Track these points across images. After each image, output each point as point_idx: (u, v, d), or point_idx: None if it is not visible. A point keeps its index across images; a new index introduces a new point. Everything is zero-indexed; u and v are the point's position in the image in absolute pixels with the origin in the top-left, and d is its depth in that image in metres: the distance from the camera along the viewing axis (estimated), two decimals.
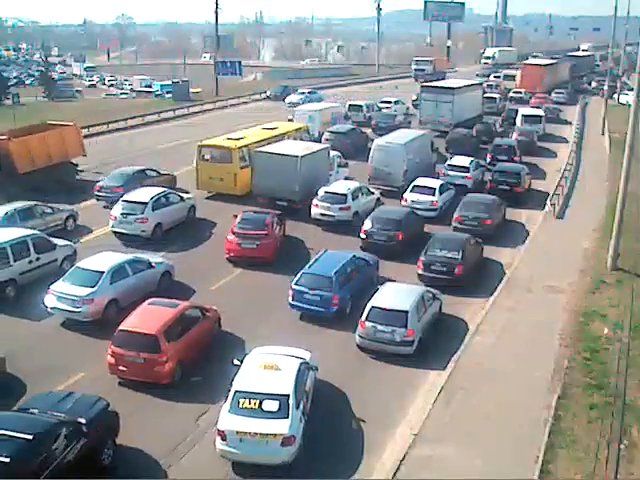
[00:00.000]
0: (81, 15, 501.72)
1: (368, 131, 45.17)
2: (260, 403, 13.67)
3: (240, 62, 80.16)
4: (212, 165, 31.16)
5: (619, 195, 24.36)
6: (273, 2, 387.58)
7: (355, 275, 20.76)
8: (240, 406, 13.70)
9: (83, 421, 12.96)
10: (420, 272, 22.50)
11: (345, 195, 27.98)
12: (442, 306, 20.29)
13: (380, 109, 53.01)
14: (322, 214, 27.95)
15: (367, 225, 25.17)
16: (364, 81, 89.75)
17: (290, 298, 19.93)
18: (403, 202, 29.06)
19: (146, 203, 25.71)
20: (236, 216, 25.10)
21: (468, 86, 50.65)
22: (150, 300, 18.10)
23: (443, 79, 66.13)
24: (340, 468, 13.88)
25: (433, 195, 29.05)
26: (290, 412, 13.61)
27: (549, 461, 13.67)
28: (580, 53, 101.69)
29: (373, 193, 30.31)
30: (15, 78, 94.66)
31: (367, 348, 18.13)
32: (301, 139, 35.59)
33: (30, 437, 11.51)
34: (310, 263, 20.81)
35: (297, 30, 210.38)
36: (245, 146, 31.32)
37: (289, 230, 27.03)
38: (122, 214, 25.60)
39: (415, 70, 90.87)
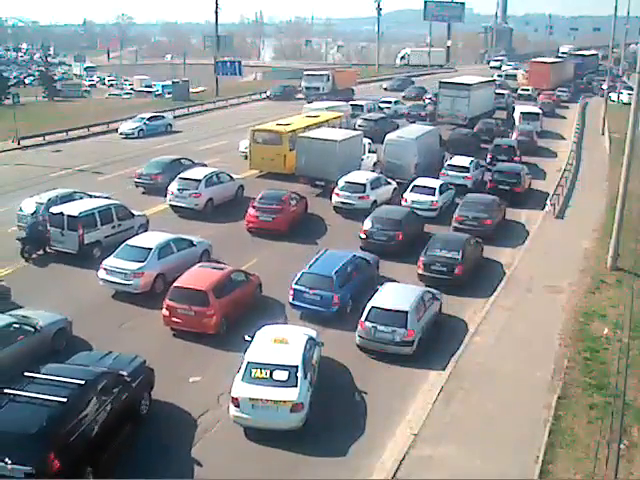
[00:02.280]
0: (81, 15, 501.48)
1: None
2: (271, 373, 14.75)
3: (240, 62, 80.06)
4: (264, 147, 34.95)
5: (619, 195, 24.36)
6: (273, 2, 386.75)
7: (355, 275, 20.73)
8: (252, 376, 14.76)
9: (125, 373, 14.53)
10: (420, 272, 22.50)
11: (364, 185, 29.06)
12: (442, 306, 20.28)
13: (382, 108, 54.64)
14: (342, 202, 29.19)
15: (367, 225, 25.15)
16: (364, 81, 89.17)
17: (290, 297, 19.95)
18: (403, 202, 29.13)
19: (200, 180, 28.96)
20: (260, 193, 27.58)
21: (482, 83, 53.30)
22: (200, 263, 20.85)
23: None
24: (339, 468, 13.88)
25: (433, 195, 29.07)
26: (299, 381, 14.65)
27: (549, 461, 13.67)
28: (586, 52, 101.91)
29: (390, 183, 31.04)
30: (15, 78, 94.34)
31: (367, 348, 18.12)
32: (340, 127, 38.44)
33: (82, 382, 13.13)
34: (310, 263, 20.77)
35: (297, 30, 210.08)
36: (293, 131, 34.79)
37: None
38: (178, 189, 28.84)
39: (306, 89, 64.57)
